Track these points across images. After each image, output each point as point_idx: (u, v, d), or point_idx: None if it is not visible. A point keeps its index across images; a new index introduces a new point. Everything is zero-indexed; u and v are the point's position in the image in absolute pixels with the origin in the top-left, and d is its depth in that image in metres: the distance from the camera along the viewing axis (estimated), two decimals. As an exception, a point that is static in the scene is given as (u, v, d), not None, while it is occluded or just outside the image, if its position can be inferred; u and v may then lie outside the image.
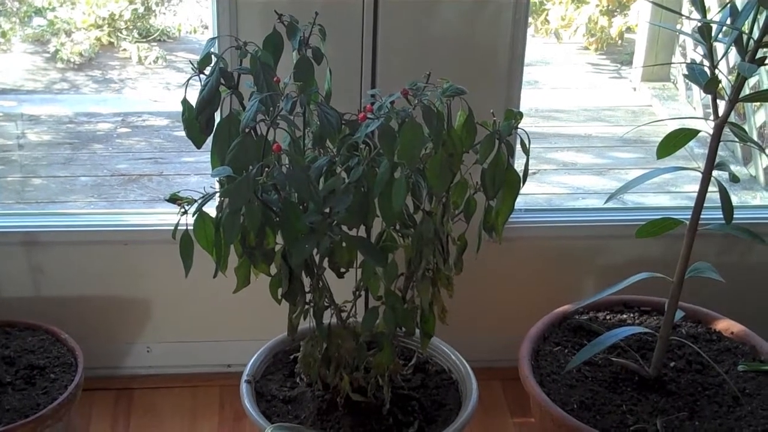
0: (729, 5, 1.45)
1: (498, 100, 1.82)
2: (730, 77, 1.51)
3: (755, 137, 3.03)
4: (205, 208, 1.31)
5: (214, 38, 1.46)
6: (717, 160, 1.53)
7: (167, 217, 1.94)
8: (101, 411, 1.98)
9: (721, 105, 1.51)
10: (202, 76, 1.37)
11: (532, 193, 3.05)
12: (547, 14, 4.00)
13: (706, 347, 1.77)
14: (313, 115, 1.38)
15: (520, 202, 1.47)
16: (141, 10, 3.89)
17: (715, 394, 1.66)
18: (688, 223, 1.59)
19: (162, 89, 3.72)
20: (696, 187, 1.56)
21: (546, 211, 2.22)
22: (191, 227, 1.32)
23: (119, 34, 3.84)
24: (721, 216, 1.54)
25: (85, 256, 1.95)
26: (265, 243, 1.38)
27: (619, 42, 4.04)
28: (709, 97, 1.51)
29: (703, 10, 1.46)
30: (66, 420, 1.72)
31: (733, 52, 1.49)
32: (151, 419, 1.98)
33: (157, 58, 3.78)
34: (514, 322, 1.85)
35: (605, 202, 1.69)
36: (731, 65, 2.73)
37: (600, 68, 4.06)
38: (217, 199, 1.33)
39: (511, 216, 1.44)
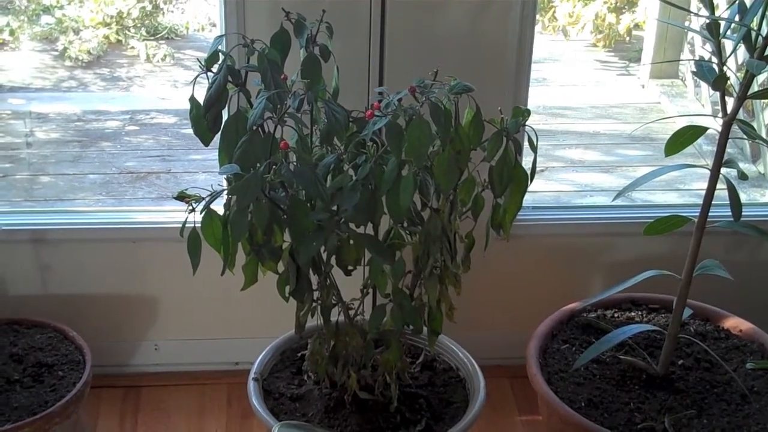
0: (737, 2, 1.45)
1: (506, 98, 1.81)
2: (738, 74, 1.50)
3: (764, 134, 3.02)
4: (213, 206, 1.31)
5: (221, 36, 1.46)
6: (725, 157, 1.53)
7: (175, 214, 1.94)
8: (109, 408, 1.99)
9: (730, 102, 1.50)
10: (209, 73, 1.37)
11: (539, 190, 3.04)
12: (554, 11, 3.99)
13: (714, 345, 1.77)
14: (320, 113, 1.38)
15: (527, 199, 1.47)
16: (149, 8, 3.90)
17: (723, 392, 1.66)
18: (696, 220, 1.58)
19: (170, 87, 3.73)
20: (704, 185, 1.56)
21: (554, 208, 2.22)
22: (199, 225, 1.32)
23: (127, 32, 3.84)
24: (730, 213, 1.53)
25: (93, 254, 1.96)
26: (272, 240, 1.39)
27: (627, 39, 4.03)
28: (718, 94, 1.51)
29: (711, 7, 1.45)
30: (74, 417, 1.73)
31: (742, 49, 1.49)
32: (158, 417, 1.98)
33: (165, 56, 3.79)
34: (522, 320, 1.85)
35: (613, 200, 1.68)
36: (740, 62, 2.72)
37: (608, 65, 4.05)
38: (224, 196, 1.33)
39: (519, 213, 1.44)
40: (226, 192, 1.32)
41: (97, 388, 1.89)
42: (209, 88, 1.36)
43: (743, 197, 1.56)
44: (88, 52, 3.75)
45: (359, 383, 1.54)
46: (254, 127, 1.30)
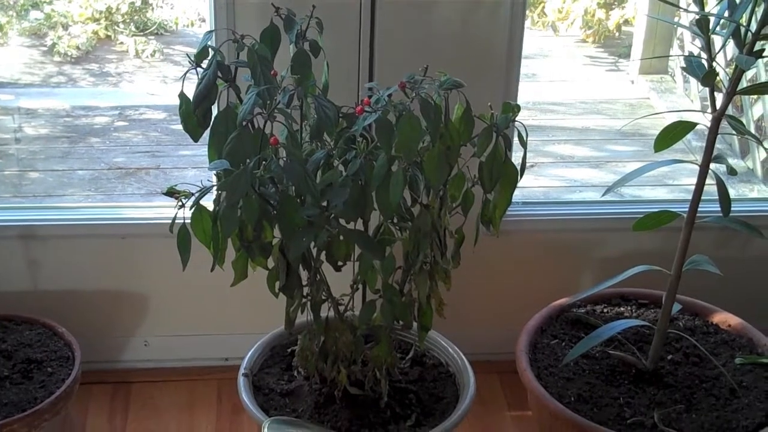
0: (727, -2, 1.45)
1: (496, 93, 1.81)
2: (727, 70, 1.51)
3: (753, 130, 3.03)
4: (202, 202, 1.31)
5: (211, 31, 1.45)
6: (714, 152, 1.53)
7: (165, 210, 1.94)
8: (99, 405, 1.98)
9: (719, 98, 1.51)
10: (199, 69, 1.37)
11: (529, 186, 3.04)
12: (543, 7, 3.99)
13: (703, 340, 1.77)
14: (310, 109, 1.38)
15: (517, 195, 1.47)
16: (138, 3, 3.88)
17: (712, 386, 1.66)
18: (685, 216, 1.59)
19: (159, 82, 3.72)
20: (693, 180, 1.56)
21: (543, 204, 2.22)
22: (189, 221, 1.32)
23: (116, 28, 3.83)
24: (719, 209, 1.54)
25: (82, 250, 1.95)
26: (262, 236, 1.38)
27: (617, 34, 4.03)
28: (707, 89, 1.51)
29: (701, 2, 1.46)
30: (63, 414, 1.72)
31: (731, 45, 1.49)
32: (148, 413, 1.98)
33: (155, 51, 3.78)
34: (512, 315, 1.85)
35: (603, 195, 1.68)
36: (729, 58, 2.73)
37: (598, 61, 4.06)
38: (214, 192, 1.33)
39: (509, 209, 1.44)
40: (215, 188, 1.32)
41: (86, 384, 1.89)
42: (199, 84, 1.35)
43: (732, 193, 1.57)
44: (77, 48, 3.74)
45: (349, 379, 1.54)
46: (244, 123, 1.29)
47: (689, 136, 1.54)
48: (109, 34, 3.82)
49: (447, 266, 1.46)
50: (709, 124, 1.52)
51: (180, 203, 1.31)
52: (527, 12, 2.05)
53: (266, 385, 1.62)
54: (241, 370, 1.61)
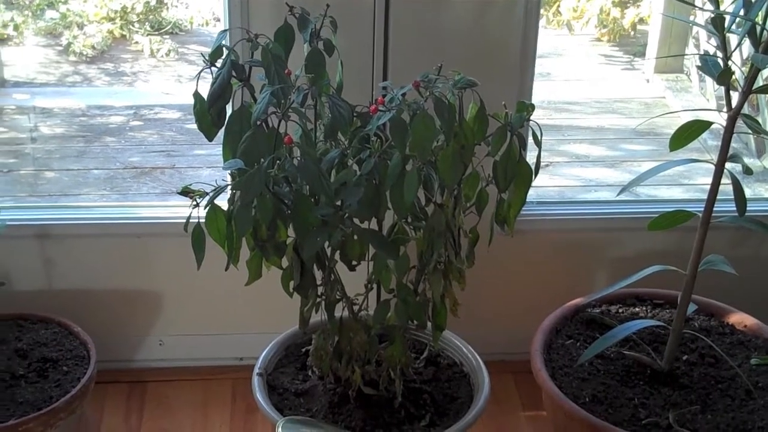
0: (742, -4, 1.44)
1: (510, 92, 1.81)
2: (743, 69, 1.50)
3: (769, 129, 3.01)
4: (217, 201, 1.31)
5: (225, 31, 1.45)
6: (730, 152, 1.52)
7: (179, 209, 1.95)
8: (114, 404, 1.99)
9: (735, 96, 1.50)
10: (213, 68, 1.37)
11: (544, 185, 3.04)
12: (558, 5, 3.98)
13: (718, 340, 1.77)
14: (324, 108, 1.38)
15: (532, 194, 1.46)
16: (153, 2, 3.90)
17: (727, 387, 1.65)
18: (701, 215, 1.58)
19: (174, 82, 3.73)
20: (709, 180, 1.56)
21: (558, 203, 2.22)
22: (203, 220, 1.32)
23: (131, 27, 3.84)
24: (734, 208, 1.53)
25: (97, 249, 1.96)
26: (276, 236, 1.38)
27: (632, 33, 4.02)
28: (723, 88, 1.51)
29: (716, 1, 1.45)
30: (79, 413, 1.73)
31: (747, 44, 1.48)
32: (163, 412, 1.98)
33: (169, 50, 3.79)
34: (526, 315, 1.85)
35: (618, 195, 1.68)
36: (745, 56, 2.71)
37: (613, 60, 4.05)
38: (228, 191, 1.33)
39: (523, 209, 1.44)
40: (230, 187, 1.32)
41: (101, 383, 1.89)
42: (213, 83, 1.36)
43: (748, 192, 1.56)
44: (93, 47, 3.75)
45: (363, 378, 1.54)
46: (258, 122, 1.30)
47: (705, 135, 1.53)
48: (124, 33, 3.84)
49: (461, 266, 1.46)
50: (724, 123, 1.51)
51: (195, 203, 1.31)
52: (542, 11, 2.05)
53: (281, 385, 1.62)
54: (256, 370, 1.61)
